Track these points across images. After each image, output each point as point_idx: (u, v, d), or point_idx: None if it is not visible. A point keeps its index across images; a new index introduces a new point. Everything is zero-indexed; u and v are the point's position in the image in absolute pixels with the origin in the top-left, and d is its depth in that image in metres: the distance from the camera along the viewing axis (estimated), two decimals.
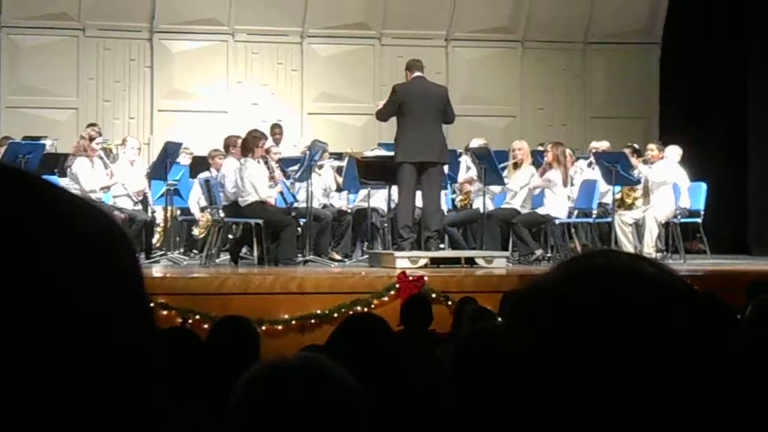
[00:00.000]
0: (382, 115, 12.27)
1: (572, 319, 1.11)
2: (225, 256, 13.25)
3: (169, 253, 13.36)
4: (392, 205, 12.94)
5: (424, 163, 11.82)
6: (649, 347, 1.09)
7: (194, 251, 14.22)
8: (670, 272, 1.17)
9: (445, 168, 12.61)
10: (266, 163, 13.03)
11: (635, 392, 1.08)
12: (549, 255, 13.26)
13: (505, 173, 13.34)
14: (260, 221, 12.45)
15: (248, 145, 12.68)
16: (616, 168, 13.07)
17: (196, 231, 14.45)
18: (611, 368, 1.08)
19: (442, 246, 12.83)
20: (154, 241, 13.76)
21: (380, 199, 13.85)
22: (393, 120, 12.10)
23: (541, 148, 14.39)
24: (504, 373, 1.13)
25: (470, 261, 11.94)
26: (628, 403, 1.08)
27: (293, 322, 9.95)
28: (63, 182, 12.58)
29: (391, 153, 12.36)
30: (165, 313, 9.57)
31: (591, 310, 1.11)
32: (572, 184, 13.77)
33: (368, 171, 12.73)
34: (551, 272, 1.17)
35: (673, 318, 1.12)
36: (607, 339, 1.09)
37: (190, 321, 9.40)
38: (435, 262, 11.71)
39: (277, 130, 15.73)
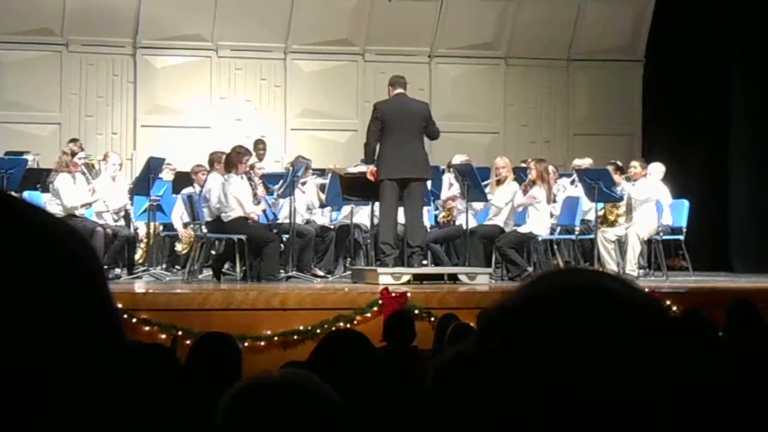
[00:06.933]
0: (369, 139, 12.19)
1: (540, 339, 1.11)
2: (208, 272, 13.22)
3: (151, 268, 13.34)
4: (375, 222, 12.94)
5: (406, 180, 11.83)
6: (615, 364, 1.09)
7: (177, 267, 14.18)
8: (635, 287, 1.17)
9: (428, 184, 12.62)
10: (249, 179, 13.01)
11: (604, 407, 1.08)
12: (533, 272, 13.25)
13: (488, 190, 13.35)
14: (243, 237, 12.43)
15: (232, 161, 12.66)
16: (599, 185, 13.10)
17: (178, 247, 14.41)
18: (579, 385, 1.08)
19: (425, 262, 12.82)
20: (136, 257, 13.74)
21: (363, 215, 13.85)
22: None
23: (524, 165, 14.40)
24: (474, 392, 1.13)
25: (453, 277, 11.96)
26: (596, 417, 1.08)
27: (276, 338, 9.93)
28: (45, 198, 12.55)
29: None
30: (147, 329, 9.54)
31: (558, 329, 1.11)
32: (555, 201, 13.79)
33: (351, 187, 12.74)
34: (519, 291, 1.17)
35: (638, 333, 1.12)
36: (574, 356, 1.09)
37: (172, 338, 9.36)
38: (418, 278, 11.72)
39: (260, 146, 15.74)
